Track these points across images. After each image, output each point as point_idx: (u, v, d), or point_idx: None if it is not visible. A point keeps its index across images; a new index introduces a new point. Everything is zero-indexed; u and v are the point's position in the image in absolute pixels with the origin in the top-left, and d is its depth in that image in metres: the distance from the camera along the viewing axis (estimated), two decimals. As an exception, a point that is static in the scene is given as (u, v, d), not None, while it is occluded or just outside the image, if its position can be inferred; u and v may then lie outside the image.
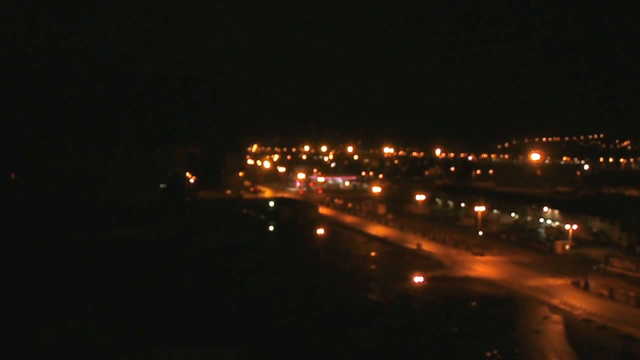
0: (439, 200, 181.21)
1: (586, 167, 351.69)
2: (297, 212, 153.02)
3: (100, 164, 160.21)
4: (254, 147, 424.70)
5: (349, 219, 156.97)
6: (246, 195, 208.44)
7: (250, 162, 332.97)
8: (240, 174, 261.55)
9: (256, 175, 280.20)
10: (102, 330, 61.76)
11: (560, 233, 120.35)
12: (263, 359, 55.74)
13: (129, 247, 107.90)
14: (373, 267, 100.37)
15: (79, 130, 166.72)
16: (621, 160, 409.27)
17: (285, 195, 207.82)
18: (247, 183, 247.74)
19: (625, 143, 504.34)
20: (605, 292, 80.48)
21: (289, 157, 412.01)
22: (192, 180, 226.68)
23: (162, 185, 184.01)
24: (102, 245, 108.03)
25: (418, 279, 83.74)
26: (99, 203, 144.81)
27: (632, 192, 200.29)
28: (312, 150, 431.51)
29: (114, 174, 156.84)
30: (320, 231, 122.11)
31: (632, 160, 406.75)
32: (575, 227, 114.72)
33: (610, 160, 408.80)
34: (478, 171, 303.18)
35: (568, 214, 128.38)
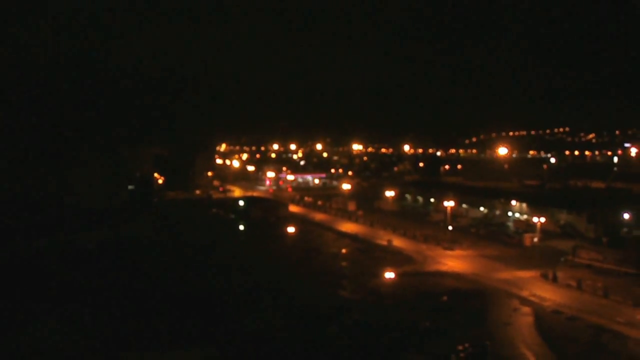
0: (408, 196, 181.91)
1: (553, 160, 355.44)
2: (267, 211, 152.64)
3: (65, 166, 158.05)
4: (223, 147, 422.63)
5: (319, 216, 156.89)
6: (215, 195, 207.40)
7: (219, 161, 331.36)
8: (209, 173, 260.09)
9: (225, 174, 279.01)
10: (71, 334, 60.83)
11: (529, 226, 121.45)
12: (234, 358, 55.29)
13: (96, 249, 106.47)
14: (344, 264, 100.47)
15: (43, 133, 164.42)
16: (587, 153, 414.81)
17: (255, 194, 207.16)
18: (216, 183, 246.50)
19: (591, 136, 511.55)
20: (574, 283, 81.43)
21: (257, 155, 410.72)
22: (160, 181, 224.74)
23: (130, 187, 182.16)
24: (69, 248, 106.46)
25: (389, 274, 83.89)
26: (65, 206, 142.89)
27: (598, 184, 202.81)
28: (281, 149, 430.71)
29: (80, 176, 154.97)
30: (291, 229, 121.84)
31: (597, 152, 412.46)
32: (543, 219, 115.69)
33: (576, 153, 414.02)
34: (447, 166, 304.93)
35: (536, 207, 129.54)
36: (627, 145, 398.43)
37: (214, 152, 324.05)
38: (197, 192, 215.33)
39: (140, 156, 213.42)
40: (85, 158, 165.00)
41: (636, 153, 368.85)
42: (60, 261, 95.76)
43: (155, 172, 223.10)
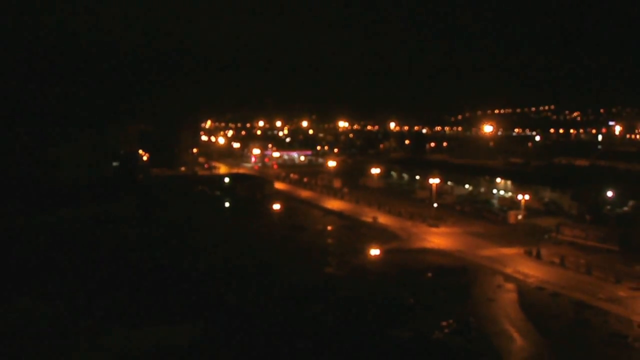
0: (394, 174, 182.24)
1: (537, 138, 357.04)
2: (252, 188, 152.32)
3: (48, 143, 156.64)
4: (208, 123, 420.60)
5: (304, 193, 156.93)
6: (201, 172, 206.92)
7: (204, 138, 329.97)
8: (195, 150, 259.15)
9: (210, 151, 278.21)
10: (56, 311, 60.68)
11: (513, 203, 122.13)
12: (219, 336, 55.39)
13: (80, 226, 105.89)
14: (330, 241, 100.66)
15: (25, 109, 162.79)
16: (571, 131, 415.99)
17: (241, 171, 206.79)
18: (201, 159, 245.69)
19: (575, 114, 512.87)
20: (557, 260, 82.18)
21: (243, 132, 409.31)
22: (145, 158, 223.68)
23: (114, 164, 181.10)
24: (52, 225, 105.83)
25: (374, 251, 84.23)
26: (48, 183, 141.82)
27: (582, 162, 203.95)
28: (267, 126, 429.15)
29: (63, 153, 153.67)
30: (276, 206, 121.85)
31: (581, 130, 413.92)
32: (527, 197, 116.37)
33: (561, 131, 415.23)
34: (432, 144, 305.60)
35: (520, 185, 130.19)
36: (611, 123, 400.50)
37: (199, 129, 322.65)
38: (182, 169, 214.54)
39: (125, 133, 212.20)
40: (68, 134, 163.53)
41: (620, 131, 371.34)
42: (43, 238, 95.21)
43: (139, 148, 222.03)
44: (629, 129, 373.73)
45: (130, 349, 52.14)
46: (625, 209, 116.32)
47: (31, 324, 57.24)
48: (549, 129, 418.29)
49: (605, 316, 61.43)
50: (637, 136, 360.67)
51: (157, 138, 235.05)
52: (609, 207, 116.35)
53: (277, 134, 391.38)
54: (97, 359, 51.06)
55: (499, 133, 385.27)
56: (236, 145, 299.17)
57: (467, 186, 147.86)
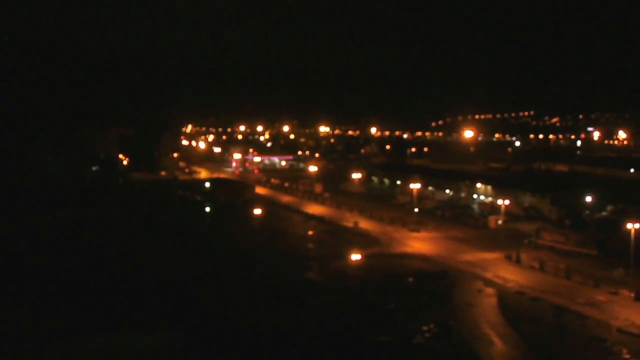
0: (375, 178, 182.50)
1: (517, 143, 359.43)
2: (233, 193, 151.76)
3: (27, 147, 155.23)
4: (189, 128, 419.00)
5: (286, 198, 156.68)
6: (181, 177, 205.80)
7: (185, 142, 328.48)
8: (175, 154, 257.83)
9: (191, 156, 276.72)
10: (32, 316, 60.14)
11: (493, 208, 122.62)
12: (201, 341, 55.14)
13: (59, 231, 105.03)
14: (311, 245, 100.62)
15: (3, 113, 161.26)
16: (551, 136, 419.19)
17: (222, 175, 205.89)
18: (182, 164, 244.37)
19: (554, 120, 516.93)
20: (537, 265, 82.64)
21: (224, 137, 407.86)
22: (125, 162, 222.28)
23: (94, 168, 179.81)
24: (31, 229, 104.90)
25: (355, 256, 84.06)
26: (27, 187, 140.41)
27: (561, 167, 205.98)
28: (248, 130, 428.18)
29: (43, 157, 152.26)
30: (258, 211, 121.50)
31: (561, 136, 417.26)
32: (507, 202, 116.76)
33: (540, 136, 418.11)
34: (413, 149, 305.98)
35: (500, 190, 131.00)
36: (590, 129, 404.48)
37: (179, 133, 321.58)
38: (163, 173, 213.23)
39: (105, 137, 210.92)
40: (47, 138, 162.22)
41: (599, 137, 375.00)
42: (21, 243, 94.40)
43: (120, 152, 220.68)
44: (607, 134, 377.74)
45: (108, 354, 51.77)
46: (604, 213, 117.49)
47: (7, 330, 56.66)
48: (529, 134, 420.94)
49: (584, 320, 61.89)
50: (616, 142, 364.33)
51: (137, 142, 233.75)
52: (588, 212, 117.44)
53: (259, 138, 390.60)
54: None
55: (480, 138, 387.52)
56: (217, 149, 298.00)
57: (447, 191, 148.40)
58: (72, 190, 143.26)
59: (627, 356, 53.38)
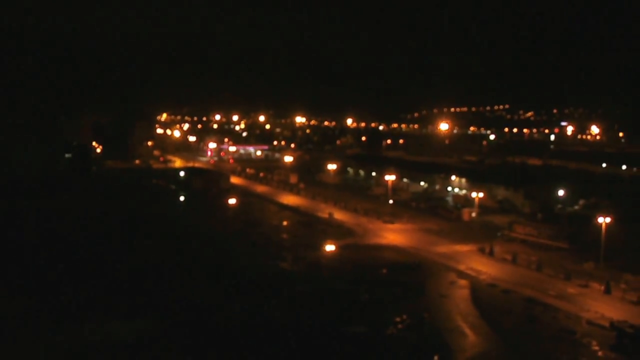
0: (350, 170, 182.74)
1: (492, 137, 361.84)
2: (208, 182, 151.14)
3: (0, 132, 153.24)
4: (164, 116, 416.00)
5: (260, 188, 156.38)
6: (155, 165, 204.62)
7: (159, 131, 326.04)
8: (149, 143, 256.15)
9: (166, 144, 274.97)
10: (5, 305, 59.52)
11: (467, 201, 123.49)
12: (170, 331, 54.86)
13: (32, 219, 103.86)
14: (285, 236, 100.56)
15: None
16: (525, 130, 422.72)
17: (196, 165, 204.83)
18: (156, 152, 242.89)
19: (529, 114, 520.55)
20: (509, 257, 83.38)
21: (199, 126, 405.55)
22: (98, 150, 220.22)
23: (67, 155, 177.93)
24: (3, 218, 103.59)
25: (330, 247, 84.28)
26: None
27: (534, 161, 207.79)
28: (224, 120, 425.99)
29: (14, 144, 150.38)
30: (232, 201, 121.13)
31: (535, 130, 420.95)
32: (481, 195, 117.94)
33: (515, 130, 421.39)
34: (389, 141, 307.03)
35: (474, 183, 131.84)
36: (563, 123, 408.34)
37: (154, 122, 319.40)
38: (137, 161, 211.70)
39: (78, 124, 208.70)
40: (20, 126, 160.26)
41: (572, 131, 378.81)
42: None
43: (93, 140, 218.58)
44: (580, 129, 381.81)
45: (78, 343, 51.34)
46: (576, 207, 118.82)
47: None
48: (504, 128, 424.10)
49: (554, 312, 62.58)
50: (588, 137, 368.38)
51: (111, 130, 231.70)
52: (560, 205, 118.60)
53: (234, 128, 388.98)
54: (45, 354, 50.12)
55: (455, 131, 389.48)
56: (192, 138, 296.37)
57: (422, 183, 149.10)
58: (44, 178, 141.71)
59: (597, 348, 54.06)
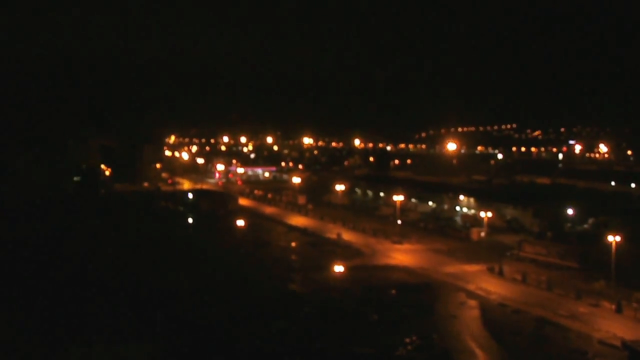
0: (358, 190, 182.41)
1: (500, 156, 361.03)
2: (216, 204, 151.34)
3: (8, 155, 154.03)
4: (172, 138, 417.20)
5: (269, 209, 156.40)
6: (164, 188, 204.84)
7: (168, 153, 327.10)
8: (158, 165, 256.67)
9: (174, 167, 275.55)
10: (13, 328, 59.44)
11: (476, 220, 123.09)
12: (179, 354, 54.66)
13: (40, 241, 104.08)
14: (293, 257, 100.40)
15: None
16: (533, 149, 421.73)
17: (204, 186, 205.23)
18: (165, 175, 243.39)
19: (536, 133, 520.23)
20: (519, 277, 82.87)
21: (207, 148, 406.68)
22: (107, 173, 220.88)
23: (76, 178, 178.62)
24: (11, 240, 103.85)
25: (338, 268, 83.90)
26: (7, 197, 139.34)
27: (543, 180, 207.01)
28: (231, 141, 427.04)
29: (24, 167, 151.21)
30: (240, 222, 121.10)
31: (543, 149, 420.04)
32: (489, 214, 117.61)
33: (523, 149, 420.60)
34: (396, 161, 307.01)
35: (483, 202, 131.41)
36: (571, 142, 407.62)
37: (162, 144, 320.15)
38: (145, 184, 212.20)
39: (87, 147, 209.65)
40: (29, 148, 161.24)
41: (580, 150, 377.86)
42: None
43: (102, 163, 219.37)
44: (588, 148, 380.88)
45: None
46: (586, 226, 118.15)
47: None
48: (511, 147, 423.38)
49: (566, 332, 62.06)
50: (597, 155, 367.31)
51: (120, 153, 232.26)
52: (569, 224, 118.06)
53: (242, 149, 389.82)
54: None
55: (462, 151, 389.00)
56: (200, 160, 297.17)
57: (430, 203, 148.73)
58: (53, 201, 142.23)
59: (609, 368, 53.57)
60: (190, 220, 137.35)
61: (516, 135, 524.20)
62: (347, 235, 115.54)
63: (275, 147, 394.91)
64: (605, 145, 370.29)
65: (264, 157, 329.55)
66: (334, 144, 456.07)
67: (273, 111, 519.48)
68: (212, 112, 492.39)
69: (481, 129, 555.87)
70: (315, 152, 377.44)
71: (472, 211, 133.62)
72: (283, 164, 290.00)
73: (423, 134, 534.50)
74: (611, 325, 63.11)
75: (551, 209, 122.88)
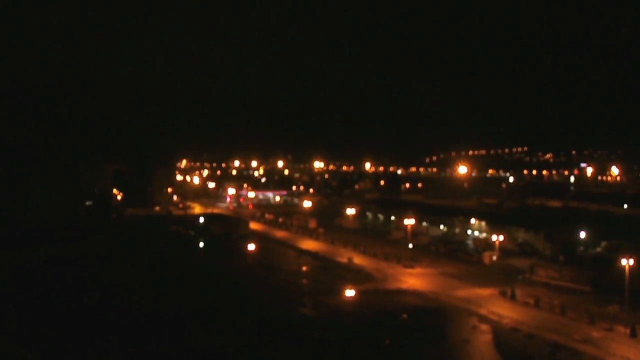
0: (369, 214, 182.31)
1: (511, 179, 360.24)
2: (227, 228, 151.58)
3: (21, 181, 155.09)
4: (183, 163, 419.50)
5: (280, 234, 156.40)
6: (176, 212, 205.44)
7: (179, 178, 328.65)
8: (170, 190, 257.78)
9: (186, 191, 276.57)
10: (25, 349, 59.56)
11: (488, 244, 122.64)
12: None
13: (52, 265, 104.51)
14: (305, 281, 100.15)
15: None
16: (544, 173, 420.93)
17: (216, 211, 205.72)
18: (176, 199, 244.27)
19: (548, 156, 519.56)
20: (532, 301, 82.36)
21: (219, 172, 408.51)
22: (119, 197, 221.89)
23: (88, 202, 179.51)
24: (24, 263, 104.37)
25: (350, 292, 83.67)
26: (20, 221, 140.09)
27: (555, 203, 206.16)
28: (243, 166, 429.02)
29: (36, 191, 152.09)
30: (252, 247, 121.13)
31: (554, 172, 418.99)
32: (501, 238, 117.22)
33: (534, 173, 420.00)
34: (407, 185, 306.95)
35: (495, 226, 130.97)
36: (583, 165, 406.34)
37: (174, 169, 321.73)
38: (157, 208, 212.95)
39: (99, 172, 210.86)
40: (41, 172, 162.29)
41: (592, 173, 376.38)
42: (11, 277, 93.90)
43: (114, 188, 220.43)
44: (600, 171, 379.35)
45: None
46: (598, 250, 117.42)
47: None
48: (523, 170, 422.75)
49: (579, 357, 61.58)
50: (609, 178, 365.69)
51: (131, 178, 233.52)
52: (582, 248, 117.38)
53: (253, 174, 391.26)
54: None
55: (473, 174, 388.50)
56: (212, 185, 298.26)
57: (442, 227, 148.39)
58: (65, 226, 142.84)
59: (624, 394, 53.01)
60: (201, 244, 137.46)
61: (527, 159, 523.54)
62: (359, 260, 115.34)
63: (287, 171, 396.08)
64: (617, 168, 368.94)
65: (275, 181, 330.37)
66: (345, 168, 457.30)
67: (284, 135, 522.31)
68: (224, 137, 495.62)
69: (492, 152, 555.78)
70: (326, 176, 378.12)
71: (484, 235, 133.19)
72: (294, 188, 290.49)
73: (434, 158, 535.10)
74: (626, 350, 62.59)
75: (563, 233, 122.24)
